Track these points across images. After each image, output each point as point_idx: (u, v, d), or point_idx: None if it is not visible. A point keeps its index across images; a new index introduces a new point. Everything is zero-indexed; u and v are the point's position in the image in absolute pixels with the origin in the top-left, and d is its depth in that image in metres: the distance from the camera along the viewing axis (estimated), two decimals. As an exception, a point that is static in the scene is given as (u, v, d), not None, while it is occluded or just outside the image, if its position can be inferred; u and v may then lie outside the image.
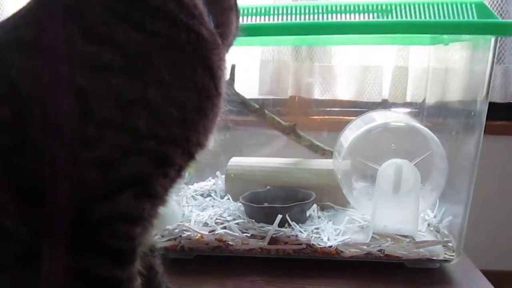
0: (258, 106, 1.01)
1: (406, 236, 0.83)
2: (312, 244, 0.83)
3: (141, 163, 0.45)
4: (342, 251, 0.82)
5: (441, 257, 0.80)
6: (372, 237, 0.83)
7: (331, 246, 0.82)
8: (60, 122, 0.43)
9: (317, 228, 0.88)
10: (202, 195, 1.07)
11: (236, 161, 1.06)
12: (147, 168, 0.46)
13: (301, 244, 0.83)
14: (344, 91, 1.51)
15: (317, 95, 1.52)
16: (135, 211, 0.46)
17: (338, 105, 1.50)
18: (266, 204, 0.92)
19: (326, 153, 1.05)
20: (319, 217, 0.92)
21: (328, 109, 1.52)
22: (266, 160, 1.06)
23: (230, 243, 0.84)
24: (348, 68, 1.51)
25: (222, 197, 1.04)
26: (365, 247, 0.81)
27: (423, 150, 0.82)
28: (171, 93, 0.46)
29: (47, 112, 0.43)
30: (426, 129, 0.82)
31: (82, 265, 0.45)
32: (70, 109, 0.42)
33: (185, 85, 0.46)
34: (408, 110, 1.31)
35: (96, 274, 0.46)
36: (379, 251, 0.81)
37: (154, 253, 0.64)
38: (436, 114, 1.04)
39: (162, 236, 0.88)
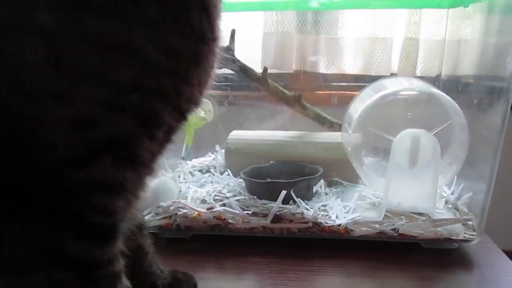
0: (259, 74, 0.93)
1: (421, 214, 0.76)
2: (319, 222, 0.76)
3: (123, 121, 0.37)
4: (351, 230, 0.75)
5: (460, 237, 0.73)
6: (385, 215, 0.76)
7: (340, 225, 0.75)
8: (23, 71, 0.35)
9: (324, 205, 0.81)
10: (200, 171, 1.00)
11: (237, 134, 0.99)
12: (130, 128, 0.38)
13: (307, 222, 0.76)
14: (351, 65, 1.43)
15: (323, 69, 1.44)
16: (116, 180, 0.39)
17: (345, 79, 1.42)
18: (269, 180, 0.85)
19: (334, 126, 0.97)
20: (326, 194, 0.85)
21: (334, 83, 1.44)
22: (269, 133, 0.98)
23: (230, 221, 0.78)
24: (355, 41, 1.42)
25: (221, 173, 0.97)
26: (377, 225, 0.74)
27: (442, 119, 0.74)
28: (160, 36, 0.38)
29: (7, 60, 0.35)
30: (446, 96, 0.74)
31: (53, 245, 0.38)
32: (33, 55, 0.35)
33: (176, 26, 0.39)
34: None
35: (70, 256, 0.39)
36: (392, 230, 0.74)
37: (143, 232, 0.57)
38: (453, 89, 0.96)
39: (157, 214, 0.81)
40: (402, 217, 0.76)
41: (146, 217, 0.81)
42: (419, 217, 0.76)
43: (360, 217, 0.76)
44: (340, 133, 0.92)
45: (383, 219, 0.75)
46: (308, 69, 1.44)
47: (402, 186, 0.75)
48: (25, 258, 0.38)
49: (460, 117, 0.74)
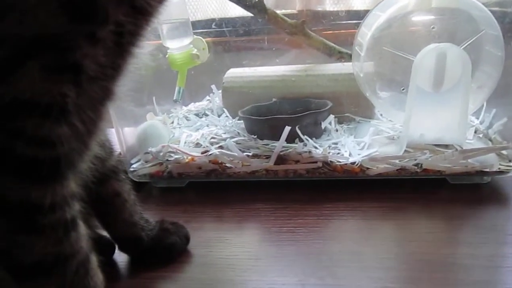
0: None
1: (447, 147, 0.66)
2: (330, 161, 0.66)
3: (48, 12, 0.27)
4: (367, 168, 0.65)
5: (494, 169, 0.63)
6: (405, 149, 0.66)
7: (353, 163, 0.66)
8: None
9: (335, 143, 0.72)
10: (197, 115, 0.91)
11: (234, 72, 0.88)
12: (59, 22, 0.28)
13: (316, 162, 0.67)
14: (360, 0, 1.30)
15: (329, 6, 1.31)
16: (49, 97, 0.29)
17: (354, 16, 1.28)
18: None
19: (343, 57, 0.85)
20: (337, 131, 0.75)
21: (343, 22, 1.30)
22: (270, 68, 0.87)
23: (228, 165, 0.68)
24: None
25: (219, 116, 0.87)
26: (397, 161, 0.64)
27: (472, 32, 0.62)
28: None
29: None
30: (477, 3, 0.62)
31: None
32: None
33: None
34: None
35: (3, 198, 0.30)
36: (415, 165, 0.64)
37: (118, 176, 0.49)
38: None
39: (146, 162, 0.72)
40: (425, 151, 0.66)
41: (135, 165, 0.72)
42: (445, 150, 0.65)
43: (377, 153, 0.66)
44: (350, 63, 0.80)
45: (403, 154, 0.65)
46: (313, 7, 1.31)
47: (426, 115, 0.64)
48: None
49: (494, 29, 0.62)
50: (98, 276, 0.36)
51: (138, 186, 0.71)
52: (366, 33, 0.68)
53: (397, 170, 0.65)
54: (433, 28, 0.64)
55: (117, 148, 0.70)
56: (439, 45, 0.61)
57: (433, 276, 0.46)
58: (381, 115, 0.80)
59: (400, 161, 0.65)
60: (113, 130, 0.69)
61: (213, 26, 0.97)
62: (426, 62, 0.61)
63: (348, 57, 0.84)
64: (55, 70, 0.28)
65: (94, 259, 0.36)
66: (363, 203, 0.62)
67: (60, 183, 0.31)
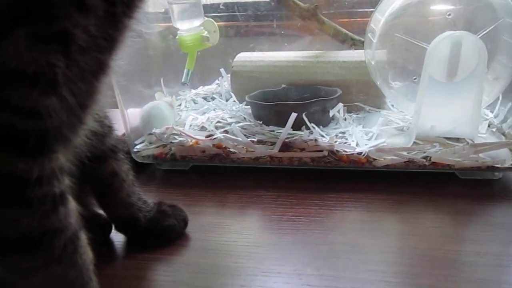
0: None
1: (458, 140, 0.64)
2: (336, 150, 0.65)
3: None
4: (374, 159, 0.64)
5: (506, 164, 0.60)
6: (415, 141, 0.64)
7: (360, 153, 0.64)
8: None
9: (342, 132, 0.70)
10: (205, 98, 0.89)
11: (244, 56, 0.86)
12: None
13: (321, 150, 0.65)
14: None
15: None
16: (35, 66, 0.28)
17: (367, 4, 1.24)
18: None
19: (356, 44, 0.83)
20: (345, 119, 0.73)
21: (358, 10, 1.26)
22: (280, 54, 0.85)
23: (232, 150, 0.67)
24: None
25: (227, 100, 0.86)
26: (405, 153, 0.63)
27: (490, 19, 0.59)
28: None
29: None
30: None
31: None
32: None
33: None
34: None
35: None
36: (423, 158, 0.62)
37: (117, 155, 0.48)
38: None
39: (150, 143, 0.71)
40: (435, 144, 0.63)
41: (139, 146, 0.71)
42: (455, 143, 0.63)
43: (385, 144, 0.64)
44: (362, 51, 0.78)
45: (412, 145, 0.63)
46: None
47: (437, 105, 0.62)
48: None
49: (512, 18, 0.59)
50: (87, 254, 0.35)
51: (142, 168, 0.71)
52: (379, 19, 0.66)
53: (405, 162, 0.63)
54: (449, 15, 0.61)
55: (122, 128, 0.70)
56: (455, 33, 0.58)
57: (435, 272, 0.44)
58: (392, 105, 0.78)
59: (408, 153, 0.63)
60: (117, 110, 0.69)
61: (221, 7, 0.95)
62: (440, 51, 0.59)
63: (360, 44, 0.82)
64: (42, 39, 0.27)
65: (83, 237, 0.35)
66: (368, 195, 0.61)
67: (48, 156, 0.31)
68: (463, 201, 0.58)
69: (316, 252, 0.49)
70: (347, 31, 0.84)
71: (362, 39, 0.80)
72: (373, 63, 0.69)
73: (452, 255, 0.47)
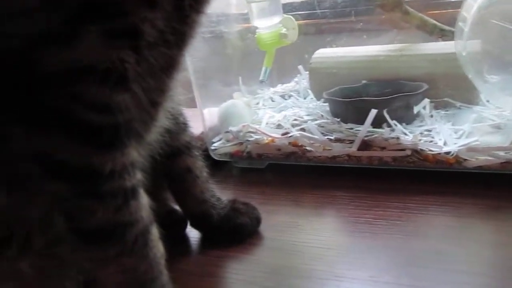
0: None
1: None
2: (421, 149, 0.60)
3: None
4: (465, 160, 0.58)
5: None
6: (513, 140, 0.57)
7: (448, 153, 0.59)
8: None
9: (428, 130, 0.65)
10: (282, 96, 0.88)
11: (323, 52, 0.84)
12: None
13: (404, 149, 0.61)
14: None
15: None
16: (107, 62, 0.29)
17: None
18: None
19: (446, 35, 0.77)
20: (432, 116, 0.68)
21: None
22: (361, 48, 0.82)
23: (308, 148, 0.65)
24: None
25: (305, 98, 0.84)
26: (502, 153, 0.56)
27: None
28: None
29: None
30: None
31: (41, 150, 0.30)
32: None
33: None
34: None
35: (63, 163, 0.30)
36: (523, 159, 0.55)
37: (191, 152, 0.49)
38: None
39: (227, 141, 0.72)
40: (538, 143, 0.56)
41: (216, 144, 0.72)
42: None
43: (477, 143, 0.58)
44: (452, 42, 0.72)
45: (510, 145, 0.56)
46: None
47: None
48: (21, 167, 0.31)
49: None
50: (158, 248, 0.36)
51: (219, 166, 0.72)
52: (472, 5, 0.60)
53: (501, 163, 0.56)
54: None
55: (200, 127, 0.71)
56: None
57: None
58: (488, 101, 0.71)
59: (506, 153, 0.56)
60: (196, 110, 0.70)
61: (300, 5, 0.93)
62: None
63: (451, 35, 0.75)
64: (114, 35, 0.28)
65: (155, 231, 0.36)
66: (456, 198, 0.55)
67: (120, 151, 0.32)
68: None
69: (394, 258, 0.46)
70: (435, 21, 0.78)
71: (452, 29, 0.74)
72: (464, 54, 0.63)
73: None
